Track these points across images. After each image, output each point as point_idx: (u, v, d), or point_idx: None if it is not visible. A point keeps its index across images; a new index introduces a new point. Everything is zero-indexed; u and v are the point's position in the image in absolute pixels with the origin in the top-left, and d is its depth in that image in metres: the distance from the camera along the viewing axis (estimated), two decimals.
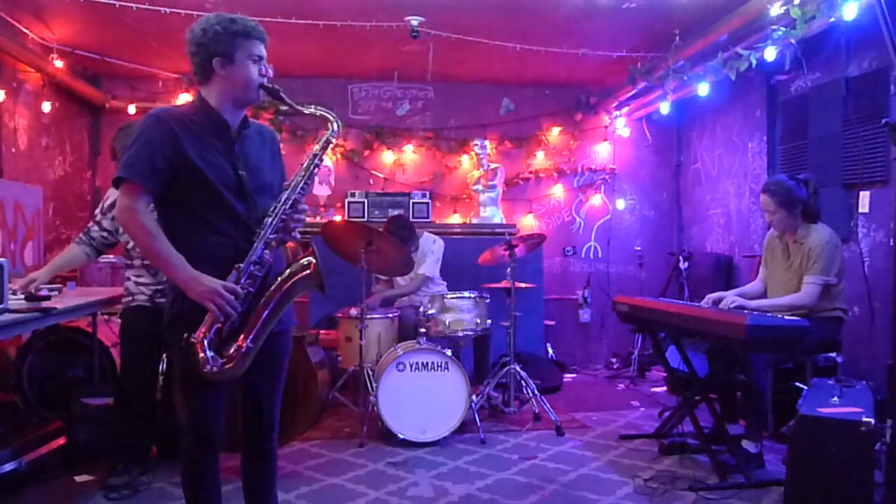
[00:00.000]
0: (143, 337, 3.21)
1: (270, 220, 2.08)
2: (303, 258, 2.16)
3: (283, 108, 2.24)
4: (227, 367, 2.02)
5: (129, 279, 3.31)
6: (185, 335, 2.01)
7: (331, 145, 2.25)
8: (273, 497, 2.37)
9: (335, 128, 2.21)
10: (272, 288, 2.10)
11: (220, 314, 2.00)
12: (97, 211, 3.38)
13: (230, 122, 2.14)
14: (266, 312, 2.08)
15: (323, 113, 2.22)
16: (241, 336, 2.05)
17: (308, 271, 2.14)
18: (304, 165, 2.16)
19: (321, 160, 2.20)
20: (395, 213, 5.43)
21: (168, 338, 2.13)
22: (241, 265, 2.05)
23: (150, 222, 2.02)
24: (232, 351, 2.03)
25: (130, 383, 3.28)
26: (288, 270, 2.14)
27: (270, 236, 2.08)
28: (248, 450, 2.32)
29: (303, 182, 2.14)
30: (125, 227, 2.07)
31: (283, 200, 2.10)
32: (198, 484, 2.21)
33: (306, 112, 2.22)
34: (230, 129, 2.14)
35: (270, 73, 2.17)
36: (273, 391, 2.29)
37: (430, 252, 4.99)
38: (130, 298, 3.28)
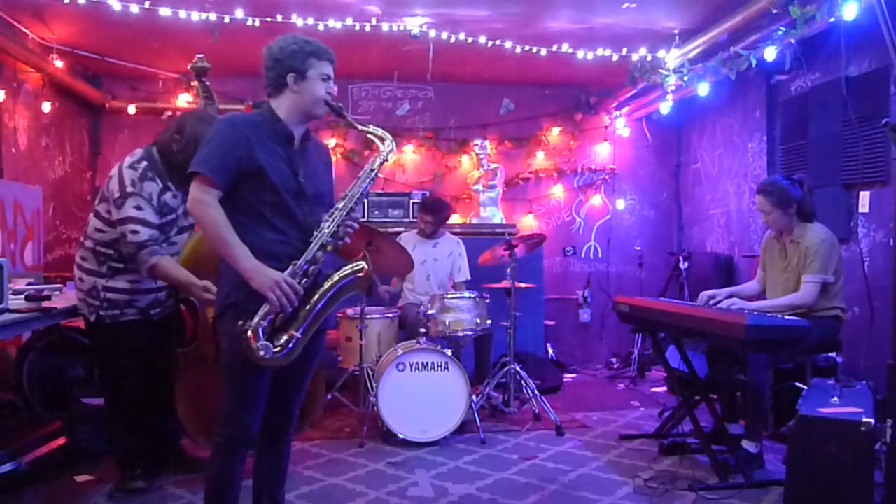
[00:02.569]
0: (140, 350, 3.09)
1: (328, 223, 2.26)
2: (356, 262, 2.31)
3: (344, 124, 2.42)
4: (278, 354, 2.15)
5: (109, 290, 3.00)
6: (241, 322, 2.13)
7: (387, 162, 2.44)
8: (280, 491, 2.47)
9: (390, 147, 2.40)
10: (326, 286, 2.24)
11: (278, 304, 2.12)
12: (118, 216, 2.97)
13: (295, 134, 2.30)
14: (318, 307, 2.22)
15: (379, 133, 2.41)
16: (292, 327, 2.18)
17: (361, 275, 2.30)
18: (362, 178, 2.34)
19: (377, 175, 2.39)
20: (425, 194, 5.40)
21: (221, 326, 2.27)
22: (298, 262, 2.20)
23: (219, 214, 2.16)
24: (283, 340, 2.16)
25: (139, 392, 3.14)
26: (342, 271, 2.28)
27: (328, 239, 2.25)
28: (265, 441, 2.43)
29: (360, 193, 2.32)
30: (196, 217, 2.26)
31: (340, 207, 2.29)
32: (223, 479, 2.30)
33: (364, 130, 2.42)
34: (294, 140, 2.30)
35: (335, 91, 2.33)
36: (300, 387, 2.44)
37: (460, 255, 5.03)
38: (118, 312, 3.03)
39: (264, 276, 2.12)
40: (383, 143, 2.40)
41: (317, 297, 2.22)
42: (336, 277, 2.26)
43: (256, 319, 2.12)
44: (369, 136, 2.42)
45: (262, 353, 2.12)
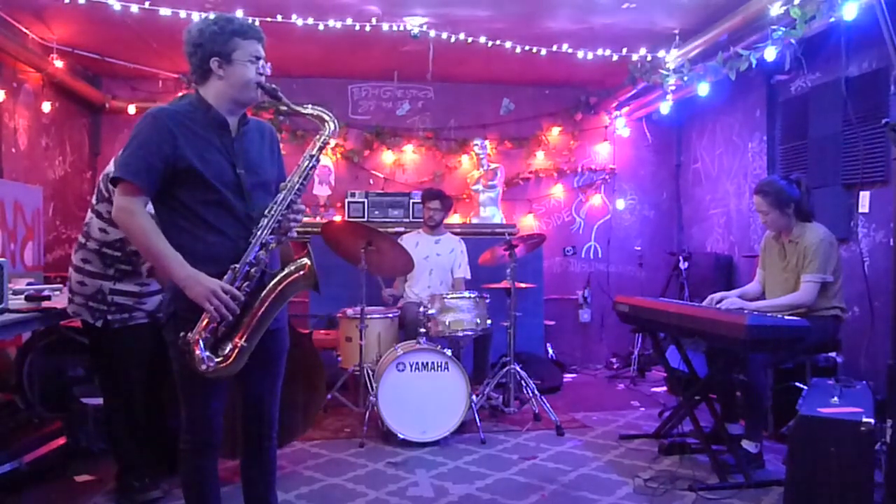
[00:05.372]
0: (147, 356, 3.02)
1: (266, 220, 2.08)
2: (298, 259, 2.16)
3: (282, 107, 2.25)
4: (221, 365, 2.03)
5: (118, 293, 2.93)
6: (182, 334, 2.01)
7: (328, 146, 2.25)
8: (272, 497, 2.37)
9: (332, 127, 2.20)
10: (268, 288, 2.10)
11: (216, 314, 1.99)
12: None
13: (229, 121, 2.14)
14: (261, 312, 2.08)
15: (319, 112, 2.22)
16: (237, 335, 2.05)
17: (302, 272, 2.15)
18: (301, 166, 2.16)
19: (318, 160, 2.20)
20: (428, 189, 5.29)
21: (166, 336, 2.13)
22: (237, 266, 2.04)
23: (147, 221, 2.02)
24: (227, 350, 2.04)
25: (139, 398, 3.08)
26: (284, 271, 2.14)
27: (268, 237, 2.08)
28: (248, 449, 2.32)
29: (299, 183, 2.14)
30: (123, 226, 2.07)
31: (279, 201, 2.11)
32: (197, 485, 2.22)
33: (303, 111, 2.21)
34: (229, 127, 2.13)
35: (268, 71, 2.17)
36: (272, 390, 2.30)
37: (462, 252, 5.06)
38: (127, 316, 2.95)
39: (200, 284, 1.97)
40: (324, 125, 2.20)
41: (259, 300, 2.07)
42: (278, 278, 2.11)
43: (198, 330, 1.99)
44: (308, 117, 2.22)
45: (204, 365, 1.99)
